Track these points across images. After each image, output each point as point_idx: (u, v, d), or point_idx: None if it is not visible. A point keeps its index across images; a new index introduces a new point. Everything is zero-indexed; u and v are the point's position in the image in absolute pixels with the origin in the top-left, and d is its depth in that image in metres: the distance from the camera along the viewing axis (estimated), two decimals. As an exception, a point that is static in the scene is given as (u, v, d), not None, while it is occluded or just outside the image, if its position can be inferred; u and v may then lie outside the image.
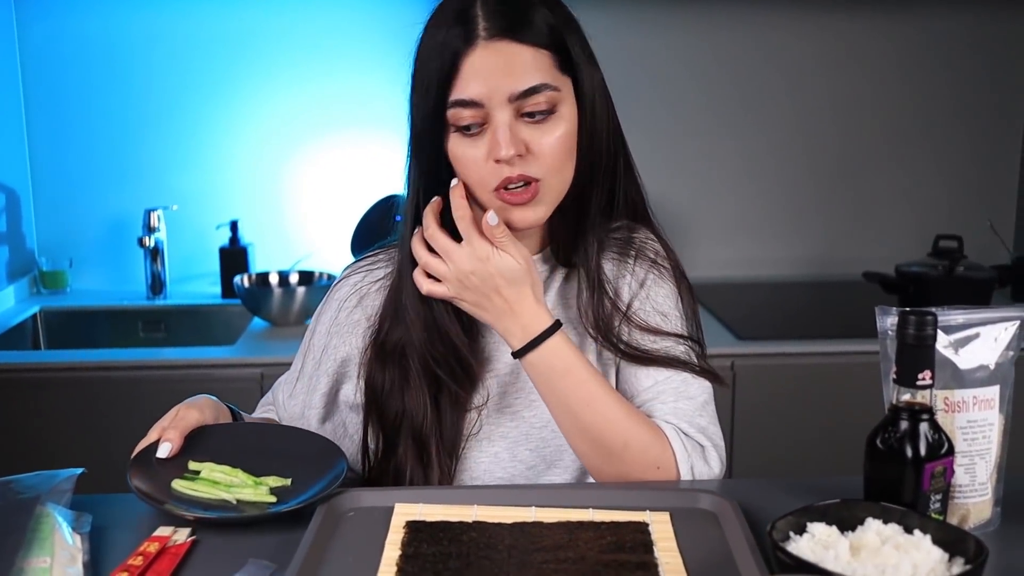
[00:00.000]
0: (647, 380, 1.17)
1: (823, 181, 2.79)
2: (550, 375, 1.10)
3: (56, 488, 0.99)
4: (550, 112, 1.08)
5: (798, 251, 2.81)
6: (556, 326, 1.10)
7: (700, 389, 1.17)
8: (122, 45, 2.62)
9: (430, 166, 1.11)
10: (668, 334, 1.18)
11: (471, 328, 1.18)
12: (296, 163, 2.69)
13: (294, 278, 2.49)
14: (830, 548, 0.86)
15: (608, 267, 1.19)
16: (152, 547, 0.92)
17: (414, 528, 0.98)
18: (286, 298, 2.34)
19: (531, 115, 1.08)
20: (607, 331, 1.17)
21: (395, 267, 1.20)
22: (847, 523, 0.90)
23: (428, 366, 1.15)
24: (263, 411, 1.33)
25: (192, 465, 1.08)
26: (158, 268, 2.60)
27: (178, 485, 1.04)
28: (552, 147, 1.09)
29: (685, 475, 1.11)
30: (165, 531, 0.97)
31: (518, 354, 1.11)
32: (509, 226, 1.10)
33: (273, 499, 1.03)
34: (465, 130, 1.08)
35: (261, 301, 2.34)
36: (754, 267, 2.80)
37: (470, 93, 1.06)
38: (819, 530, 0.89)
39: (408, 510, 1.02)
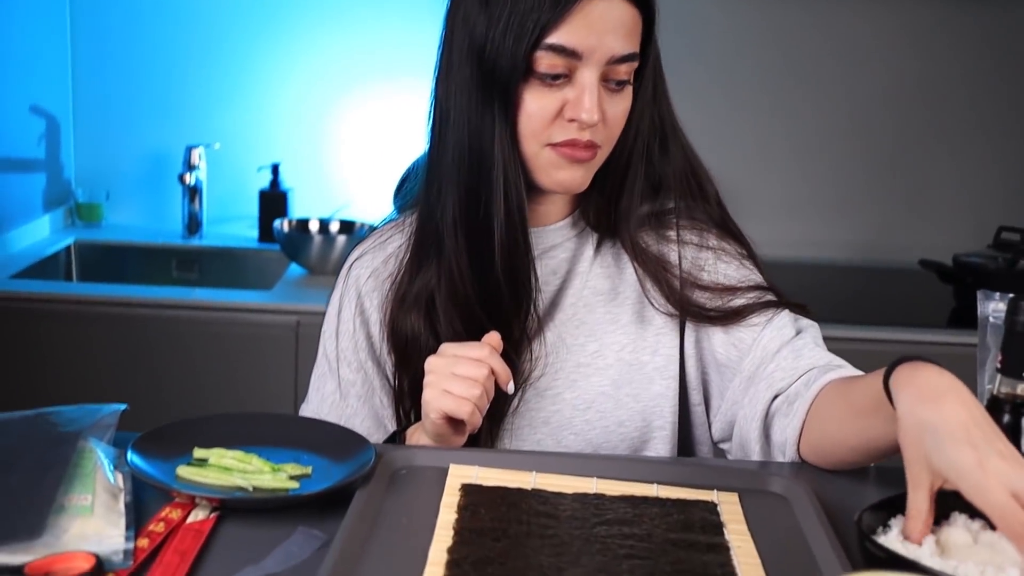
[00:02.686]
0: (749, 338, 1.09)
1: (878, 164, 2.71)
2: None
3: (99, 423, 0.94)
4: (626, 82, 1.04)
5: (851, 235, 2.73)
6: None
7: (813, 331, 1.11)
8: (172, -24, 2.56)
9: (500, 110, 1.02)
10: (748, 289, 1.11)
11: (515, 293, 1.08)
12: (341, 109, 2.63)
13: (335, 226, 2.44)
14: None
15: (651, 240, 1.13)
16: (175, 513, 0.85)
17: (470, 491, 0.93)
18: (326, 246, 2.29)
19: (613, 82, 1.03)
20: (684, 301, 1.10)
21: (411, 229, 1.13)
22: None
23: (465, 312, 1.07)
24: None
25: (198, 453, 0.94)
26: (196, 207, 2.56)
27: (184, 472, 0.91)
28: (618, 118, 1.05)
29: None
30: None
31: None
32: (554, 188, 1.05)
33: (295, 485, 0.91)
34: (549, 78, 1.01)
35: (300, 247, 2.30)
36: (804, 249, 2.72)
37: (573, 42, 0.99)
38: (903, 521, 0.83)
39: (463, 472, 0.97)
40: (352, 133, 2.63)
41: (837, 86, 2.66)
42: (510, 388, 1.02)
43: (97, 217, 2.62)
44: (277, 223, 2.38)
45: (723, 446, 1.15)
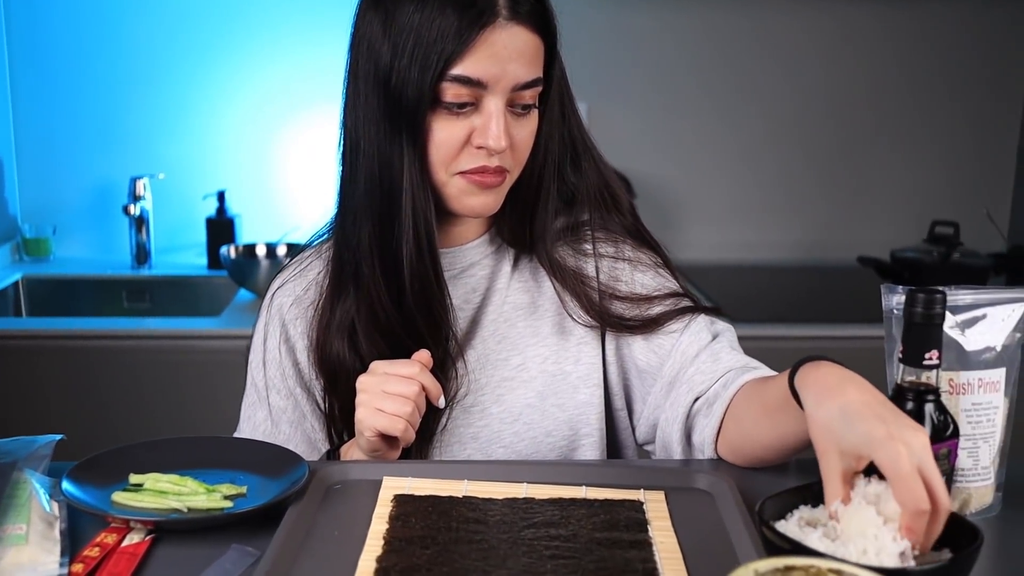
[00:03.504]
0: (668, 344, 1.12)
1: (818, 165, 2.77)
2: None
3: (34, 454, 0.96)
4: (531, 106, 1.06)
5: (792, 235, 2.79)
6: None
7: (733, 339, 1.15)
8: (111, 10, 2.57)
9: (407, 140, 1.02)
10: (664, 297, 1.14)
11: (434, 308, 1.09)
12: (284, 134, 2.65)
13: (282, 250, 2.46)
14: (817, 527, 0.84)
15: (567, 254, 1.15)
16: (110, 538, 0.87)
17: (402, 501, 0.95)
18: (273, 270, 2.30)
19: (518, 107, 1.04)
20: (604, 313, 1.13)
21: (329, 253, 1.14)
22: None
23: (387, 335, 1.08)
24: None
25: (134, 478, 0.96)
26: (143, 237, 2.56)
27: (119, 498, 0.93)
28: (525, 141, 1.07)
29: None
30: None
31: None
32: (466, 213, 1.07)
33: (230, 504, 0.93)
34: (455, 108, 1.02)
35: (248, 272, 2.31)
36: (748, 251, 2.77)
37: (477, 73, 1.00)
38: (807, 510, 0.87)
39: (397, 483, 0.99)
40: (296, 157, 2.65)
41: (776, 88, 2.72)
42: (441, 402, 1.05)
43: (45, 252, 2.62)
44: (224, 249, 2.39)
45: (647, 448, 1.19)
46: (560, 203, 1.15)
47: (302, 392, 1.17)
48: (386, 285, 1.06)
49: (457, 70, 1.00)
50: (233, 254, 2.43)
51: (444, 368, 1.10)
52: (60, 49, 2.58)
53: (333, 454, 1.14)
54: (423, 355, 1.05)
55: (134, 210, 2.53)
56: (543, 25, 1.03)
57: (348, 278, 1.10)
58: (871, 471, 0.83)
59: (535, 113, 1.07)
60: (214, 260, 2.53)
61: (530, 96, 1.04)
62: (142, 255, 2.57)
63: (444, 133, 1.03)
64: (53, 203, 2.65)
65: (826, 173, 2.77)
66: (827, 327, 2.18)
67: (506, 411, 1.14)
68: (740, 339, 2.12)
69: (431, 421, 1.11)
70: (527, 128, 1.06)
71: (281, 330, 1.17)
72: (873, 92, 2.73)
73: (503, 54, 1.00)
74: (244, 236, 2.61)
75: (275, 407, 1.17)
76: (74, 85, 2.60)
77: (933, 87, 2.73)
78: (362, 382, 1.03)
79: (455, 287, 1.14)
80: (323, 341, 1.12)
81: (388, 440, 1.04)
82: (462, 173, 1.05)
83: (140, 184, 2.55)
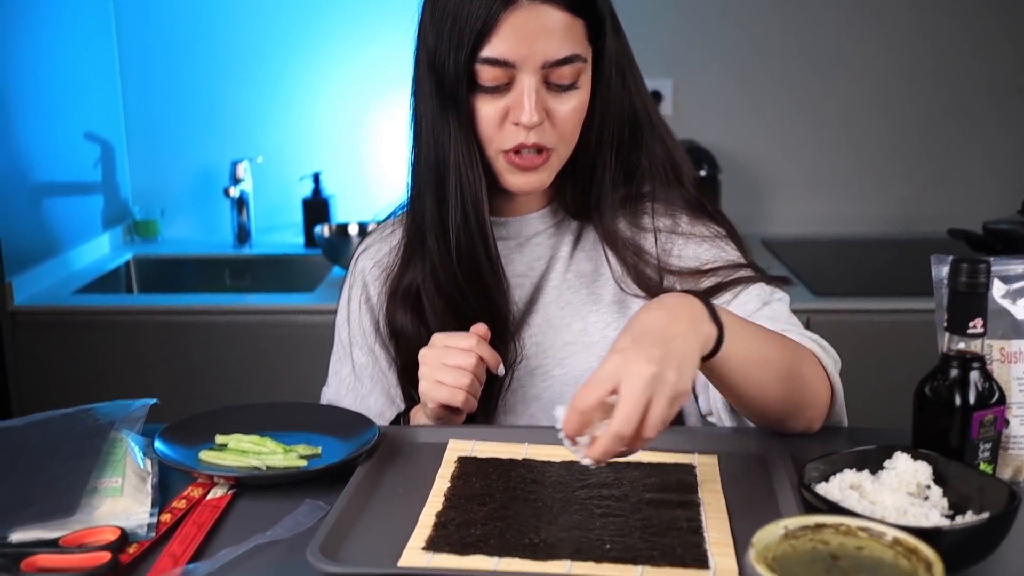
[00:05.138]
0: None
1: (908, 137, 2.72)
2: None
3: (130, 416, 1.05)
4: (573, 83, 1.08)
5: (882, 208, 2.75)
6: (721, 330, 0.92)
7: (782, 308, 1.13)
8: (212, 4, 2.69)
9: (453, 119, 1.08)
10: (718, 268, 1.15)
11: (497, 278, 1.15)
12: (376, 117, 2.73)
13: (373, 228, 2.53)
14: (856, 489, 0.86)
15: (625, 226, 1.18)
16: (196, 492, 0.96)
17: (465, 463, 1.01)
18: (364, 248, 2.39)
19: (556, 84, 1.08)
20: (655, 289, 1.15)
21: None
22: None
23: (450, 304, 1.14)
24: None
25: (219, 438, 1.05)
26: (244, 218, 2.69)
27: (206, 456, 1.02)
28: (569, 117, 1.09)
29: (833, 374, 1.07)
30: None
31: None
32: (514, 190, 1.12)
33: (304, 463, 1.01)
34: (489, 89, 1.07)
35: (341, 250, 2.40)
36: (836, 224, 2.75)
37: (504, 53, 1.04)
38: (852, 474, 0.89)
39: (461, 446, 1.05)
40: (387, 138, 2.73)
41: (859, 61, 2.68)
42: (500, 371, 1.10)
43: (153, 232, 2.77)
44: (318, 229, 2.49)
45: (710, 419, 1.22)
46: (621, 175, 1.18)
47: (381, 350, 1.24)
48: (442, 254, 1.13)
49: (486, 52, 1.05)
50: (327, 233, 2.52)
51: (504, 337, 1.16)
52: (166, 42, 2.72)
53: (405, 415, 1.20)
54: (480, 328, 1.10)
55: (234, 192, 2.65)
56: (577, 3, 1.06)
57: (416, 248, 1.17)
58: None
59: (582, 89, 1.10)
60: (310, 239, 2.64)
61: (569, 73, 1.07)
62: (243, 235, 2.69)
63: (484, 111, 1.08)
64: (161, 187, 2.80)
65: (916, 144, 2.72)
66: (916, 300, 2.15)
67: (568, 374, 1.18)
68: (825, 313, 2.14)
69: (493, 388, 1.16)
70: (569, 104, 1.09)
71: (363, 290, 1.25)
72: (958, 63, 2.66)
73: (528, 33, 1.04)
74: (338, 216, 2.71)
75: (357, 363, 1.25)
76: (178, 76, 2.73)
77: (1021, 56, 2.65)
78: (423, 355, 1.10)
79: (520, 255, 1.20)
80: (391, 308, 1.20)
81: (451, 409, 1.10)
82: (504, 153, 1.09)
83: (240, 167, 2.67)
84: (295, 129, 2.75)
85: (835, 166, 2.74)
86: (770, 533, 0.73)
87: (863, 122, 2.71)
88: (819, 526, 0.75)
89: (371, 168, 2.76)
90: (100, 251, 2.65)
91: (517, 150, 1.09)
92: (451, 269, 1.13)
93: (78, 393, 2.17)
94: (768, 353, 0.98)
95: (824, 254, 2.60)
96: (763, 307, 1.14)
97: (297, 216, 2.72)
